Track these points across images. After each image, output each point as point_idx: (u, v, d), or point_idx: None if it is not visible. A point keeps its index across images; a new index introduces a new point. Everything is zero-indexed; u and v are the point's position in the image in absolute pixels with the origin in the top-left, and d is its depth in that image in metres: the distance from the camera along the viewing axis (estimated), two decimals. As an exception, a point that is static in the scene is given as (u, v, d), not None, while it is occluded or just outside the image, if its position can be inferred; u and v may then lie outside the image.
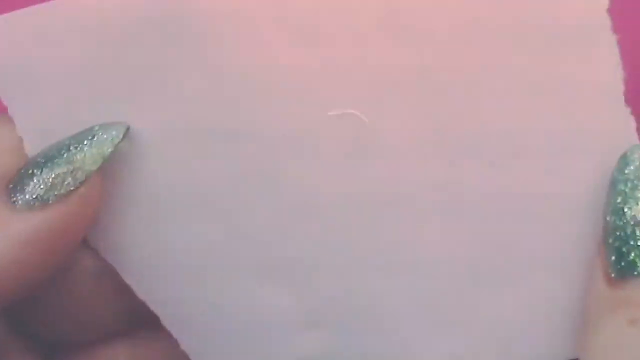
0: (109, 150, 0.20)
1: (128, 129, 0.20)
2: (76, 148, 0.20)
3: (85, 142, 0.20)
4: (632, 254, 0.18)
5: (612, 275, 0.18)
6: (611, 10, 0.19)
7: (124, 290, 0.21)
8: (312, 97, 0.20)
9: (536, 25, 0.19)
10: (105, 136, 0.20)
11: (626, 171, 0.19)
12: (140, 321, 0.22)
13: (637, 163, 0.19)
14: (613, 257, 0.18)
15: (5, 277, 0.18)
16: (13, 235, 0.18)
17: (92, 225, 0.20)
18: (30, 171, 0.19)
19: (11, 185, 0.19)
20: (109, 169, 0.20)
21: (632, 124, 0.20)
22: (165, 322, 0.22)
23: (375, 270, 0.21)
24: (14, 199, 0.19)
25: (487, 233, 0.20)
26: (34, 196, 0.19)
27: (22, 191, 0.19)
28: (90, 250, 0.21)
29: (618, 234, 0.18)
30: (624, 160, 0.19)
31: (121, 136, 0.20)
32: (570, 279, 0.20)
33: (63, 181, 0.19)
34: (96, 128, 0.20)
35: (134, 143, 0.21)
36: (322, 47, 0.20)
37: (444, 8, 0.19)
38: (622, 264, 0.18)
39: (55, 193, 0.19)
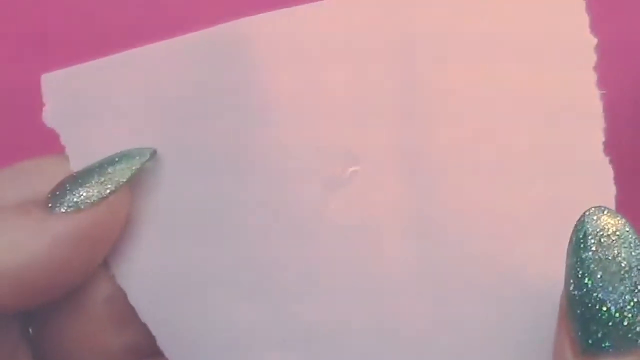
0: (137, 166, 0.22)
1: (155, 151, 0.23)
2: (108, 164, 0.22)
3: (116, 160, 0.22)
4: (600, 331, 0.17)
5: (581, 351, 0.18)
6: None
7: (134, 321, 0.23)
8: (306, 133, 0.22)
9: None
10: (134, 155, 0.22)
11: (583, 240, 0.18)
12: (149, 354, 0.24)
13: (594, 227, 0.18)
14: (580, 333, 0.18)
15: (39, 272, 0.21)
16: (48, 233, 0.21)
17: (119, 235, 0.23)
18: (68, 183, 0.22)
19: (50, 195, 0.21)
20: (135, 199, 0.23)
21: (610, 174, 0.20)
22: (162, 345, 0.23)
23: (352, 297, 0.22)
24: (51, 205, 0.21)
25: (456, 259, 0.21)
26: (68, 203, 0.21)
27: (60, 199, 0.21)
28: (108, 275, 0.23)
29: (583, 309, 0.17)
30: (581, 227, 0.18)
31: (148, 156, 0.22)
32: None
33: (94, 191, 0.22)
34: (126, 150, 0.23)
35: (157, 180, 0.23)
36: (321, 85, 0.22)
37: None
38: (590, 340, 0.17)
39: (87, 201, 0.21)
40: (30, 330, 0.24)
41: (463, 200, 0.21)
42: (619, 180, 0.20)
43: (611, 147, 0.20)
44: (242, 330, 0.23)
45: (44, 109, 0.24)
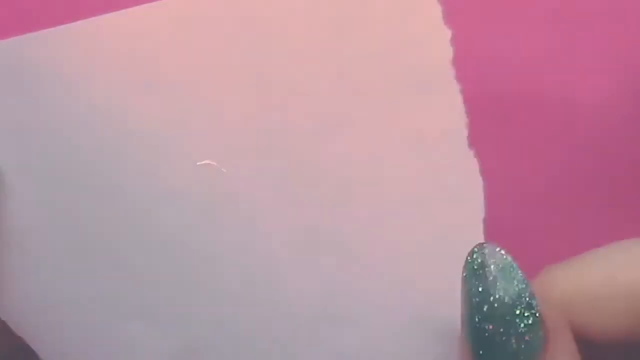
0: None
1: None
2: None
3: None
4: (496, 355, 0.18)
5: None
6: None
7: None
8: (176, 149, 0.22)
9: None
10: None
11: (472, 272, 0.19)
12: None
13: (481, 262, 0.18)
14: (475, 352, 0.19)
15: None
16: None
17: None
18: None
19: None
20: None
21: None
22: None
23: (240, 307, 0.22)
24: None
25: (339, 269, 0.22)
26: None
27: None
28: None
29: (474, 335, 0.18)
30: (471, 261, 0.19)
31: None
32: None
33: None
34: None
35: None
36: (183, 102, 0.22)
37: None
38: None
39: None
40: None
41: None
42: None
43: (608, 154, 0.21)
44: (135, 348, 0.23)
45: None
